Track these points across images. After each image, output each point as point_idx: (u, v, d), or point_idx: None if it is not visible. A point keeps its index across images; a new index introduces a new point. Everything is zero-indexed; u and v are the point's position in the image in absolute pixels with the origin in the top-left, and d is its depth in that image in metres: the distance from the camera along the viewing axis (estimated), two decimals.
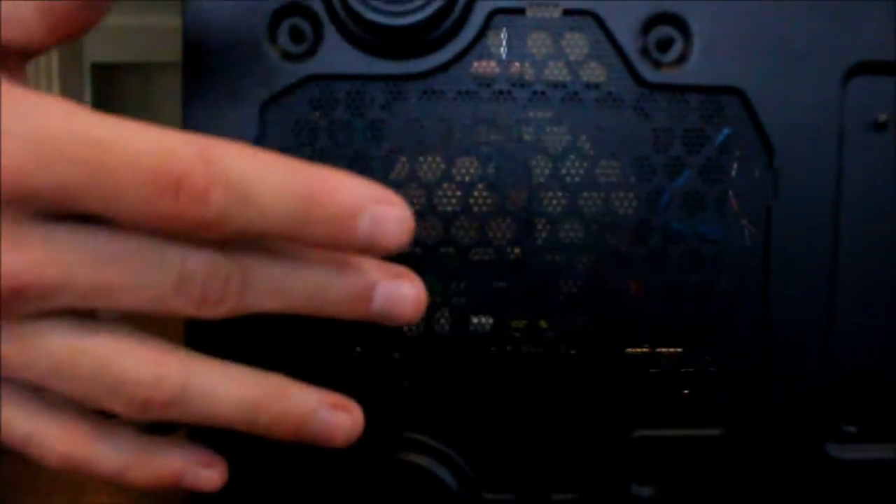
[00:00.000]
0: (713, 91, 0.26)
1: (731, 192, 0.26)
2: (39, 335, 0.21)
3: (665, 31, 0.26)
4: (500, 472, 0.27)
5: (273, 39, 0.25)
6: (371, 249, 0.21)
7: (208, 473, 0.24)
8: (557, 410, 0.27)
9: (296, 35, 0.25)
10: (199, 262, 0.21)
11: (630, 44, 0.26)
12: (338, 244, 0.21)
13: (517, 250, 0.26)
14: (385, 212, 0.21)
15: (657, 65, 0.26)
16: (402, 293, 0.23)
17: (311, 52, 0.25)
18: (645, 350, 0.27)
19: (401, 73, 0.25)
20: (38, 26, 0.22)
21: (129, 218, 0.20)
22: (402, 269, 0.23)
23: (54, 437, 0.23)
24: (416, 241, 0.26)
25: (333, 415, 0.23)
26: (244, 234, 0.21)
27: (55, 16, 0.22)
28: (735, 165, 0.26)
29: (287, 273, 0.22)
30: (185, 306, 0.21)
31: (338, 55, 0.25)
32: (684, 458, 0.27)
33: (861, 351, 0.27)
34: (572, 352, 0.27)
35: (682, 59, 0.26)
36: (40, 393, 0.23)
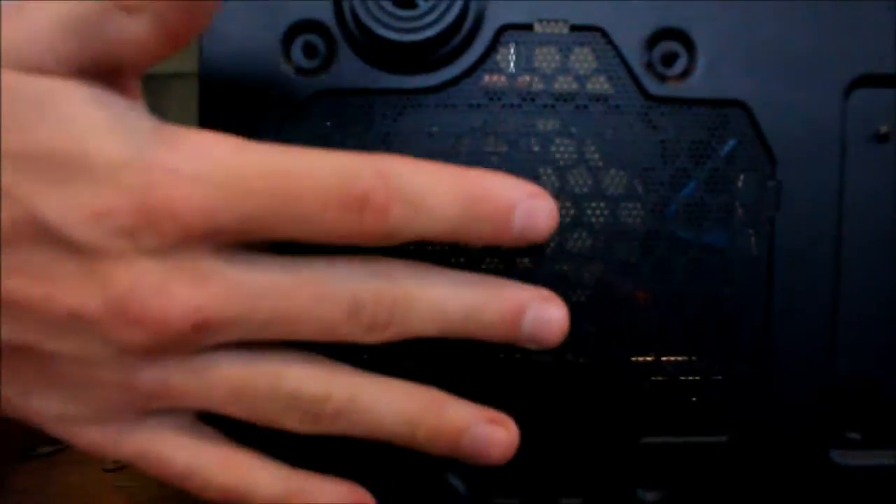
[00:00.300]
0: (717, 104, 0.27)
1: (735, 203, 0.27)
2: (216, 365, 0.22)
3: (670, 45, 0.26)
4: (509, 478, 0.27)
5: (287, 55, 0.26)
6: (522, 241, 0.23)
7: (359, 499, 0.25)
8: (565, 417, 0.27)
9: (309, 51, 0.26)
10: (368, 290, 0.22)
11: (636, 58, 0.26)
12: (494, 240, 0.23)
13: (525, 260, 0.27)
14: (536, 205, 0.22)
15: (662, 78, 0.26)
16: (550, 315, 0.24)
17: (325, 67, 0.26)
18: (651, 358, 0.27)
19: (412, 87, 0.26)
20: (152, 40, 0.21)
21: (313, 238, 0.21)
22: (547, 292, 0.24)
23: (215, 468, 0.23)
24: (426, 251, 0.26)
25: (489, 429, 0.24)
26: (415, 239, 0.22)
27: (168, 26, 0.21)
28: (739, 177, 0.27)
29: (446, 297, 0.23)
30: (354, 333, 0.22)
31: (350, 70, 0.26)
32: (690, 465, 0.28)
33: (864, 358, 0.28)
34: (580, 360, 0.27)
35: (686, 73, 0.26)
36: (200, 425, 0.24)
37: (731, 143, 0.27)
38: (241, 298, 0.21)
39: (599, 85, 0.27)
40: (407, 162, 0.22)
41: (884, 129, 0.27)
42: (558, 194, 0.26)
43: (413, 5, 0.25)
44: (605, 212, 0.27)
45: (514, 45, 0.26)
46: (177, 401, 0.22)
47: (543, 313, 0.24)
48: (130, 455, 0.23)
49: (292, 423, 0.23)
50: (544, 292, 0.24)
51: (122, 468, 0.39)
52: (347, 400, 0.23)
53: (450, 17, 0.25)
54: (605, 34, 0.26)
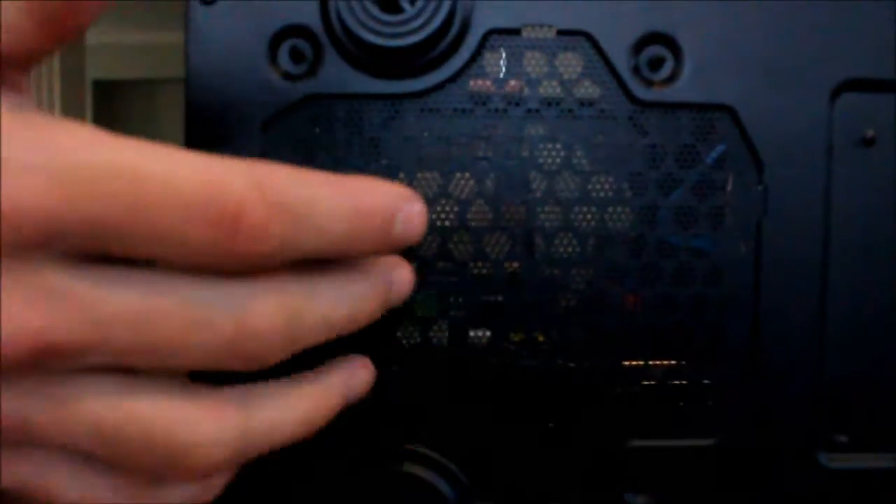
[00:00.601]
0: (704, 108, 0.27)
1: (722, 207, 0.27)
2: (78, 397, 0.18)
3: (656, 50, 0.26)
4: (497, 482, 0.27)
5: (273, 60, 0.26)
6: (400, 247, 0.22)
7: None
8: (553, 421, 0.27)
9: (296, 56, 0.26)
10: (256, 317, 0.19)
11: (622, 63, 0.26)
12: (373, 251, 0.21)
13: (514, 265, 0.27)
14: (411, 209, 0.21)
15: (649, 83, 0.26)
16: (405, 277, 0.24)
17: (311, 72, 0.26)
18: (640, 363, 0.27)
19: (398, 92, 0.26)
20: (27, 26, 0.19)
21: (175, 260, 0.18)
22: (395, 259, 0.23)
23: (109, 500, 0.20)
24: (415, 255, 0.26)
25: (363, 376, 0.25)
26: (299, 258, 0.19)
27: (42, 13, 0.18)
28: (726, 181, 0.27)
29: (333, 307, 0.21)
30: (238, 364, 0.19)
31: (337, 75, 0.26)
32: (678, 469, 0.28)
33: (852, 361, 0.28)
34: (569, 364, 0.27)
35: (672, 77, 0.27)
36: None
37: (720, 148, 0.27)
38: (93, 321, 0.17)
39: (586, 90, 0.27)
40: (288, 171, 0.19)
41: (870, 133, 0.27)
42: (546, 199, 0.27)
43: (399, 10, 0.25)
44: (593, 216, 0.27)
45: (500, 49, 0.26)
46: (38, 437, 0.18)
47: (403, 275, 0.23)
48: (10, 486, 0.19)
49: (179, 476, 0.19)
50: (393, 259, 0.23)
51: None
52: (240, 436, 0.19)
53: (436, 22, 0.25)
54: (591, 39, 0.26)
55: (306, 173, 0.19)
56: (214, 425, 0.19)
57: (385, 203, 0.21)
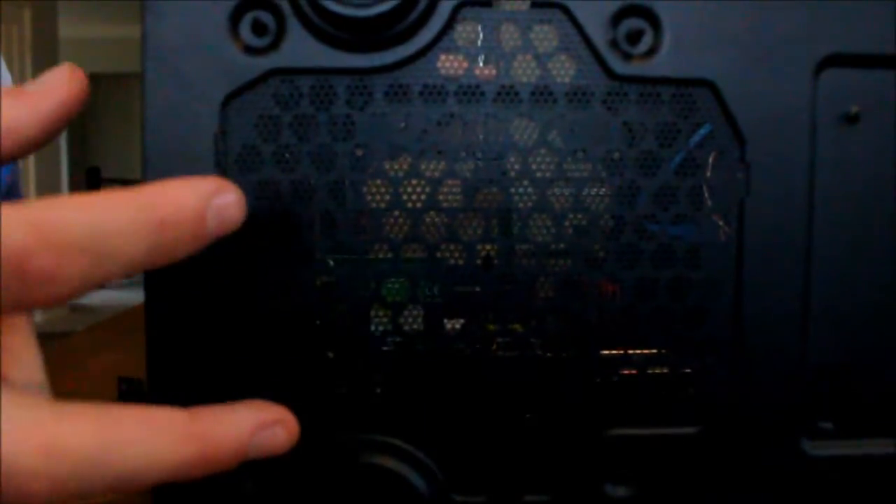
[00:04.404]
0: (684, 83, 0.26)
1: (704, 186, 0.26)
2: None
3: (635, 22, 0.25)
4: (472, 475, 0.26)
5: (235, 33, 0.25)
6: (220, 236, 0.21)
7: None
8: (530, 411, 0.26)
9: (258, 28, 0.25)
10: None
11: (599, 36, 0.25)
12: (194, 247, 0.20)
13: (488, 247, 0.26)
14: (223, 200, 0.20)
15: (627, 57, 0.25)
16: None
17: (274, 45, 0.25)
18: (619, 351, 0.27)
19: (366, 66, 0.25)
20: (35, 134, 0.22)
21: None
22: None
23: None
24: (384, 239, 0.25)
25: (268, 434, 0.22)
26: (111, 280, 0.19)
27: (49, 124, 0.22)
28: (708, 160, 0.26)
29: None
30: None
31: (301, 49, 0.25)
32: (659, 457, 0.27)
33: (837, 346, 0.27)
34: (547, 354, 0.26)
35: (652, 51, 0.26)
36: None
37: (705, 129, 0.26)
38: None
39: (561, 64, 0.26)
40: (70, 204, 0.18)
41: (854, 109, 0.26)
42: (521, 179, 0.25)
43: None
44: (570, 197, 0.26)
45: (472, 22, 0.25)
46: None
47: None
48: None
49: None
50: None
51: None
52: (98, 452, 0.19)
53: None
54: (567, 11, 0.25)
55: (92, 199, 0.19)
56: (10, 441, 0.18)
57: (190, 205, 0.20)
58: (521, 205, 0.26)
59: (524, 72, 0.25)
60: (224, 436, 0.21)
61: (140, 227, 0.19)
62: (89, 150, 5.88)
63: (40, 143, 0.23)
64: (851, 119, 0.26)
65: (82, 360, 0.70)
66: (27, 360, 0.22)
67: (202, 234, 0.20)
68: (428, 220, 0.25)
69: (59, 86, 0.23)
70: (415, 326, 0.26)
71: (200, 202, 0.20)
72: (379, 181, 0.25)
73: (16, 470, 0.18)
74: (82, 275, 0.18)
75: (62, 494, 0.18)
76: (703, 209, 0.26)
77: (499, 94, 0.25)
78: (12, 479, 0.18)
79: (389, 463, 0.26)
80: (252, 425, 0.21)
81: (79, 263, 0.18)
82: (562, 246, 0.26)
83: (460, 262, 0.26)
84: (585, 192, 0.26)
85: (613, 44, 0.25)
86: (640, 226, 0.26)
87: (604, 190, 0.26)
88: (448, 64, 0.25)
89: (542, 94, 0.25)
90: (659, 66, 0.25)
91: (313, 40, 0.25)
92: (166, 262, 0.20)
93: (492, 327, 0.26)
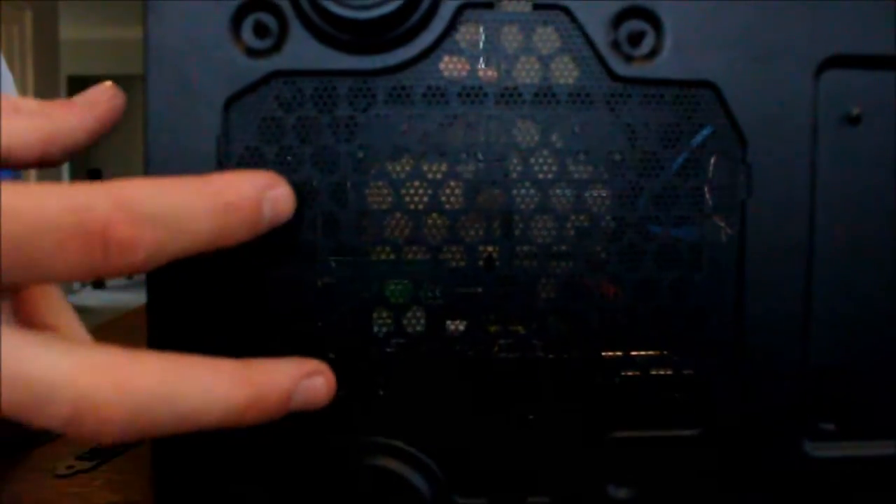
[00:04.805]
0: (685, 85, 0.26)
1: (706, 188, 0.26)
2: None
3: (636, 24, 0.25)
4: (474, 476, 0.26)
5: (237, 35, 0.25)
6: (274, 226, 0.23)
7: None
8: (532, 413, 0.26)
9: (260, 30, 0.25)
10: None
11: (601, 38, 0.25)
12: (248, 237, 0.22)
13: (490, 249, 0.26)
14: (277, 193, 0.22)
15: (629, 58, 0.25)
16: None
17: (276, 47, 0.25)
18: (621, 353, 0.27)
19: (368, 68, 0.25)
20: (83, 138, 0.25)
21: (64, 278, 0.20)
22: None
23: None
24: (386, 240, 0.25)
25: (311, 384, 0.24)
26: (174, 259, 0.21)
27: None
28: (709, 161, 0.26)
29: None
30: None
31: (303, 50, 0.25)
32: (661, 459, 0.27)
33: (838, 347, 0.27)
34: (549, 356, 0.26)
35: (653, 52, 0.26)
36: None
37: (706, 130, 0.26)
38: None
39: (564, 66, 0.26)
40: (147, 183, 0.20)
41: (855, 110, 0.26)
42: (524, 180, 0.25)
43: None
44: (572, 198, 0.26)
45: (475, 24, 0.25)
46: None
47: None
48: None
49: (62, 426, 0.20)
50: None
51: (75, 474, 0.37)
52: (111, 393, 0.20)
53: None
54: (569, 13, 0.25)
55: (168, 181, 0.21)
56: (88, 378, 0.20)
57: (249, 194, 0.22)
58: (523, 206, 0.26)
59: (526, 73, 0.25)
60: (273, 382, 0.22)
61: (208, 208, 0.21)
62: (91, 152, 5.89)
63: (84, 147, 0.25)
64: (852, 120, 0.26)
65: None
66: (72, 317, 0.26)
67: (258, 221, 0.22)
68: (430, 221, 0.25)
69: (105, 99, 0.25)
70: (417, 328, 0.26)
71: (258, 192, 0.22)
72: (381, 183, 0.25)
73: (93, 404, 0.20)
74: (158, 246, 0.20)
75: (133, 428, 0.20)
76: (705, 210, 0.26)
77: (501, 95, 0.25)
78: (90, 413, 0.20)
79: (392, 465, 0.26)
80: (297, 374, 0.23)
81: (155, 236, 0.20)
82: (563, 247, 0.26)
83: (462, 263, 0.26)
84: (587, 193, 0.26)
85: (615, 45, 0.25)
86: (641, 227, 0.26)
87: (605, 191, 0.26)
88: (450, 66, 0.25)
89: (544, 95, 0.25)
90: (660, 67, 0.26)
91: (315, 42, 0.25)
92: (224, 244, 0.22)
93: (494, 329, 0.26)
